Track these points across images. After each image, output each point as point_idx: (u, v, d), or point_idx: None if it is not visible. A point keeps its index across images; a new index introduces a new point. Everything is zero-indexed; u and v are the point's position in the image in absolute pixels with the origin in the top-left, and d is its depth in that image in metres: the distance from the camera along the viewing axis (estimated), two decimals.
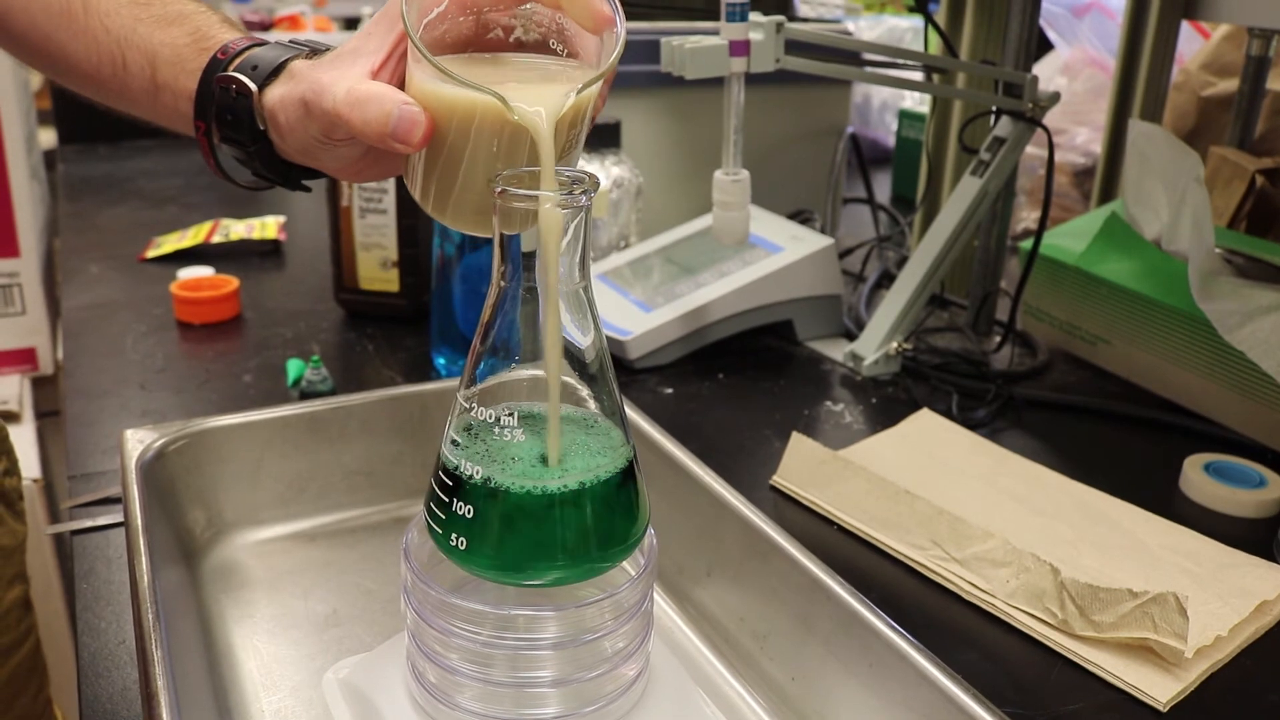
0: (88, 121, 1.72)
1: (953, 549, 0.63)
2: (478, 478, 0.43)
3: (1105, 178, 1.17)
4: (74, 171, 1.58)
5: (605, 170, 1.02)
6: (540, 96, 0.41)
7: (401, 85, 0.47)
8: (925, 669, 0.47)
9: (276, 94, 0.50)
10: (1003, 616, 0.59)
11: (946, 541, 0.63)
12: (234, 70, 0.52)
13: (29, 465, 1.18)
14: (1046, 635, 0.58)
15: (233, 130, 0.53)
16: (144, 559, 0.53)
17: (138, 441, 0.64)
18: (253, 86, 0.51)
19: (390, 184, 0.94)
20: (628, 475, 0.45)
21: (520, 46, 0.47)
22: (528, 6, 0.46)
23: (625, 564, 0.47)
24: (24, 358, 1.35)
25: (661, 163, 1.15)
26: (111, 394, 0.83)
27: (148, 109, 0.60)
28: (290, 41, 0.54)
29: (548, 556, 0.43)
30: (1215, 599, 0.61)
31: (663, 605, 0.64)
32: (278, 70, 0.52)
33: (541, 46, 0.47)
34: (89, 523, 0.66)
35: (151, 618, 0.48)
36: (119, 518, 0.66)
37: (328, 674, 0.54)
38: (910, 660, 0.47)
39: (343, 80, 0.46)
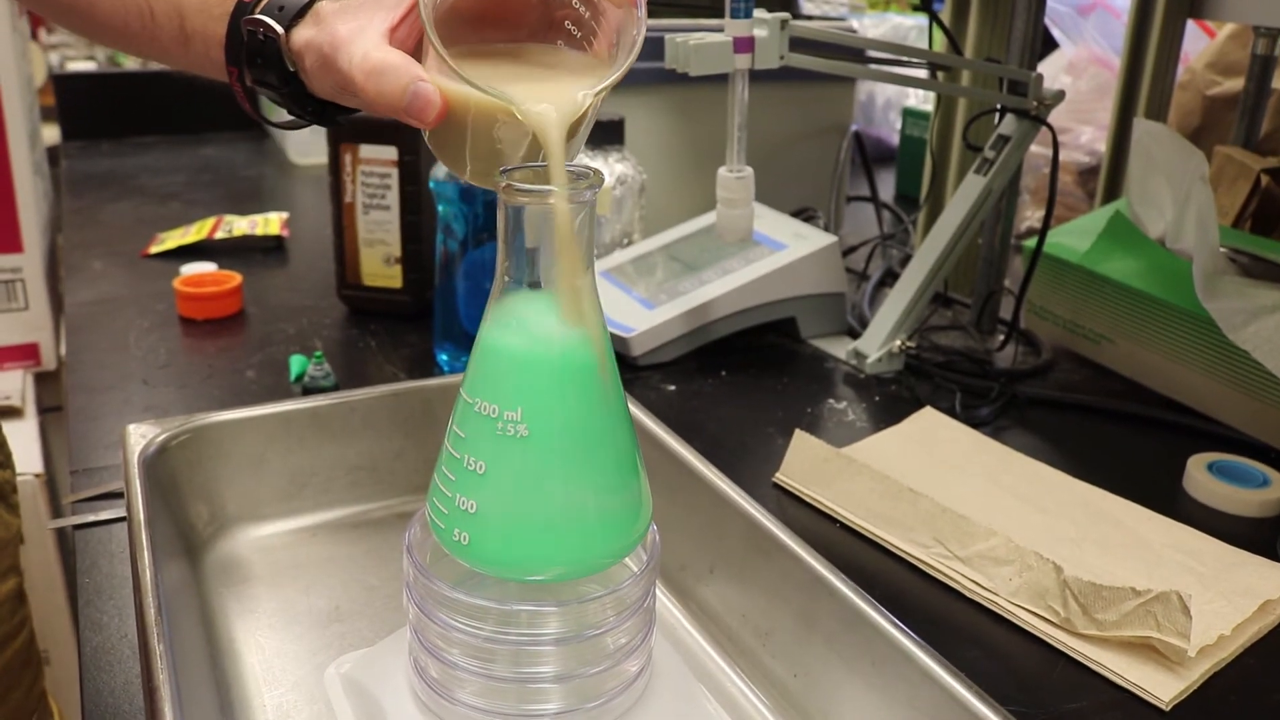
0: (91, 118, 1.73)
1: (956, 547, 0.63)
2: (481, 473, 0.43)
3: (1110, 176, 1.16)
4: (77, 167, 1.58)
5: (609, 167, 1.02)
6: (552, 96, 0.41)
7: (418, 43, 0.46)
8: (928, 666, 0.47)
9: (303, 37, 0.50)
10: (1005, 615, 0.59)
11: (949, 539, 0.63)
12: (260, 13, 0.52)
13: (31, 460, 1.18)
14: (1049, 634, 0.58)
15: (263, 73, 0.53)
16: (146, 554, 0.53)
17: (140, 436, 0.64)
18: (279, 29, 0.51)
19: (393, 181, 0.94)
20: (631, 470, 0.45)
21: (536, 20, 0.47)
22: None
23: (628, 560, 0.47)
24: (27, 353, 1.35)
25: (665, 160, 1.15)
26: (114, 389, 0.83)
27: (180, 59, 0.59)
28: None
29: (550, 552, 0.43)
30: (1219, 598, 0.60)
31: (665, 602, 0.64)
32: (303, 10, 0.51)
33: (558, 27, 0.47)
34: (91, 517, 0.66)
35: (154, 612, 0.48)
36: (121, 512, 0.66)
37: (329, 669, 0.54)
38: (913, 658, 0.47)
39: (361, 39, 0.46)
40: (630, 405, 0.66)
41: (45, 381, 1.39)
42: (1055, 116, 0.92)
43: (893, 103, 1.79)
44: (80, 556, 0.63)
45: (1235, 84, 1.16)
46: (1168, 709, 0.53)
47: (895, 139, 1.69)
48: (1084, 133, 1.36)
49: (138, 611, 0.49)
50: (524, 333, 0.43)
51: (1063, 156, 1.34)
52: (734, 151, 0.82)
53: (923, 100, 1.66)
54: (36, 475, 1.16)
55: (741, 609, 0.59)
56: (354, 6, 0.49)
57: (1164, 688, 0.54)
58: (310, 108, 0.54)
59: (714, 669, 0.59)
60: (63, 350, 1.20)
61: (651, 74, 1.10)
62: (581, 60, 0.46)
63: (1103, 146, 1.21)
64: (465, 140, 0.45)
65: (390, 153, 0.93)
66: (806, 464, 0.71)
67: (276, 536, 0.68)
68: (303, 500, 0.70)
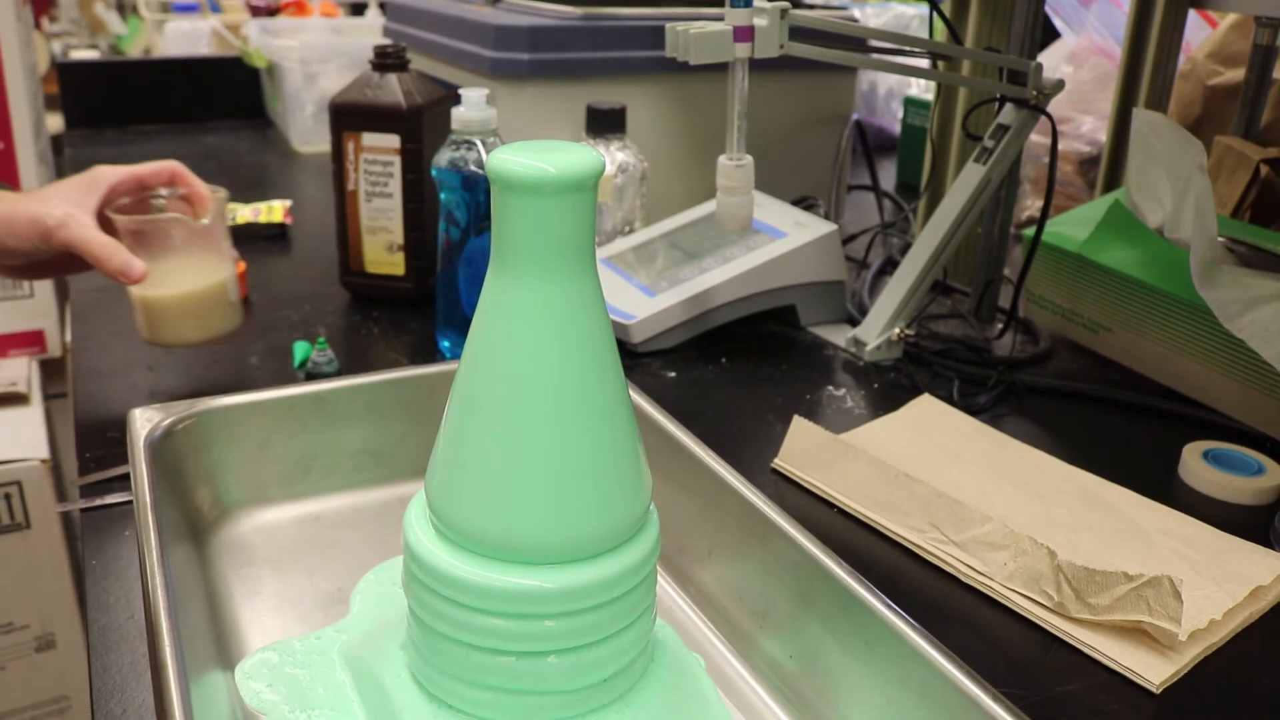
0: (94, 106, 1.73)
1: (951, 532, 0.63)
2: (479, 453, 0.43)
3: (1110, 166, 1.17)
4: (81, 155, 1.58)
5: (610, 155, 1.02)
6: None
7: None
8: (920, 647, 0.47)
9: None
10: (1000, 599, 0.60)
11: (945, 524, 0.64)
12: None
13: (37, 446, 1.19)
14: (1043, 617, 0.58)
15: None
16: (153, 535, 0.53)
17: (146, 420, 0.65)
18: None
19: (396, 169, 0.95)
20: (631, 451, 0.46)
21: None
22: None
23: (628, 540, 0.47)
24: (32, 340, 1.36)
25: (666, 148, 1.15)
26: (119, 375, 0.84)
27: None
28: None
29: (550, 532, 0.44)
30: (1210, 583, 0.61)
31: (664, 584, 0.65)
32: None
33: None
34: (98, 501, 0.67)
35: (161, 592, 0.49)
36: (128, 496, 0.67)
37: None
38: (906, 638, 0.48)
39: (83, 218, 0.74)
40: (630, 391, 0.67)
41: (50, 368, 1.40)
42: (1056, 106, 0.93)
43: (895, 92, 1.79)
44: (87, 538, 0.64)
45: (1236, 74, 1.16)
46: (1158, 691, 0.54)
47: (897, 128, 1.69)
48: (1085, 122, 1.36)
49: (145, 592, 0.50)
50: (521, 310, 0.43)
51: (1063, 146, 1.34)
52: (734, 140, 0.83)
53: (924, 89, 1.66)
54: (43, 461, 1.17)
55: (739, 591, 0.59)
56: (36, 196, 0.75)
57: (1155, 671, 0.55)
58: None
59: (711, 649, 0.60)
60: (68, 337, 1.21)
61: (652, 62, 1.11)
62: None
63: (1103, 136, 1.21)
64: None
65: (393, 141, 0.94)
66: (805, 450, 0.72)
67: (281, 520, 0.69)
68: (307, 484, 0.70)
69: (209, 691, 0.50)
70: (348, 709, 0.50)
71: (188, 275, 0.79)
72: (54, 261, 0.78)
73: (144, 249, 0.77)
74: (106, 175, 0.78)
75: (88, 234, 0.74)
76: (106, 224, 0.77)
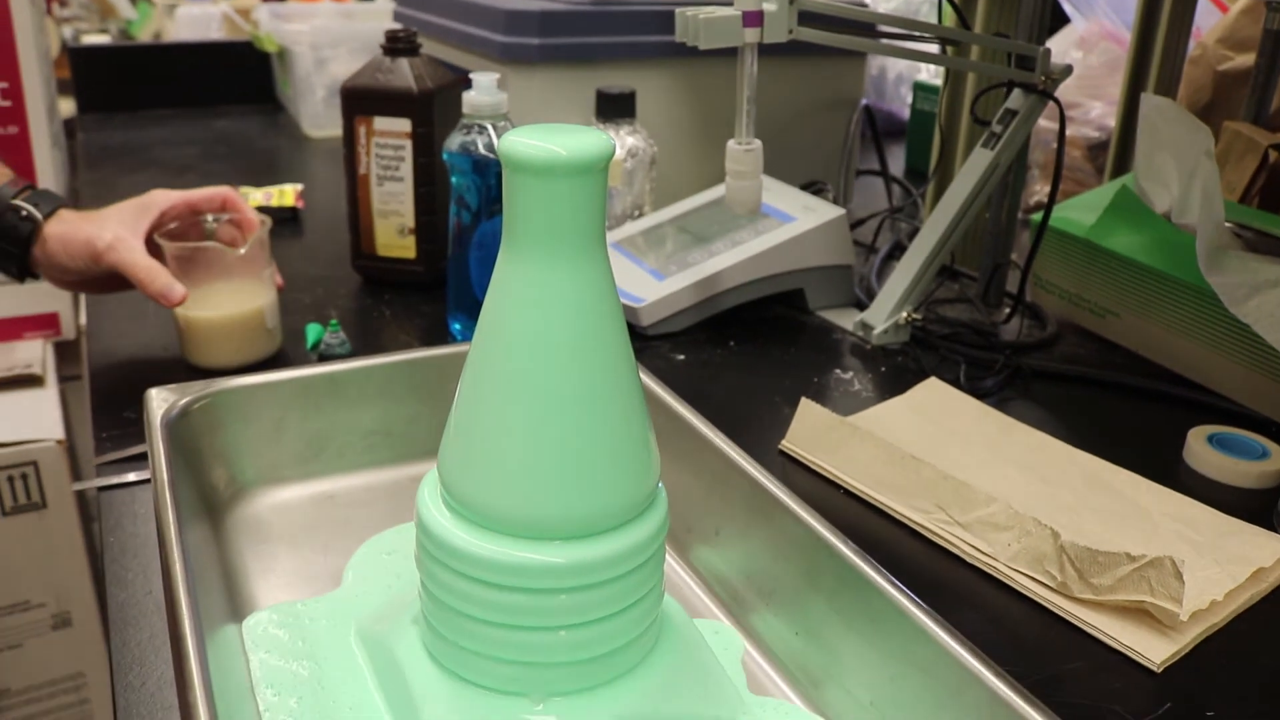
0: (107, 90, 1.74)
1: (956, 513, 0.64)
2: (491, 430, 0.44)
3: (1119, 152, 1.17)
4: (93, 140, 1.59)
5: (620, 139, 1.03)
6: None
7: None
8: (925, 624, 0.48)
9: (54, 228, 0.80)
10: (1004, 579, 0.61)
11: (950, 506, 0.65)
12: (23, 201, 0.80)
13: (53, 427, 1.20)
14: (1046, 597, 0.59)
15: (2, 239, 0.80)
16: (170, 512, 0.54)
17: (162, 400, 0.66)
18: (39, 216, 0.80)
19: (407, 153, 0.95)
20: (641, 429, 0.47)
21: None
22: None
23: (637, 518, 0.48)
24: (46, 323, 1.37)
25: (676, 132, 1.16)
26: (134, 356, 0.85)
27: None
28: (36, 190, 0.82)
29: (560, 509, 0.45)
30: (1213, 565, 0.62)
31: (672, 562, 0.65)
32: (54, 211, 0.80)
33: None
34: (116, 480, 0.68)
35: (179, 567, 0.50)
36: (145, 474, 0.68)
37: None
38: (910, 616, 0.49)
39: (132, 242, 0.79)
40: (640, 373, 0.68)
41: (64, 351, 1.42)
42: (1065, 92, 0.93)
43: (905, 77, 1.79)
44: (105, 516, 0.65)
45: (1246, 59, 1.16)
46: (1159, 670, 0.55)
47: (907, 113, 1.69)
48: (1094, 108, 1.36)
49: (163, 568, 0.51)
50: (532, 291, 0.44)
51: (1072, 131, 1.34)
52: (743, 124, 0.83)
53: (934, 75, 1.66)
54: (59, 442, 1.18)
55: (745, 569, 0.60)
56: (94, 218, 0.81)
57: (1156, 650, 0.55)
58: (15, 270, 0.82)
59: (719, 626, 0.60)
60: (82, 320, 1.22)
61: (662, 47, 1.11)
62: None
63: (1113, 122, 1.21)
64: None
65: (404, 125, 0.95)
66: (812, 431, 0.73)
67: (295, 498, 0.70)
68: (320, 463, 0.71)
69: (227, 662, 0.51)
70: (351, 668, 0.51)
71: (228, 300, 0.82)
72: (106, 280, 0.83)
73: (188, 273, 0.81)
74: (160, 200, 0.83)
75: (134, 257, 0.79)
76: (156, 248, 0.82)
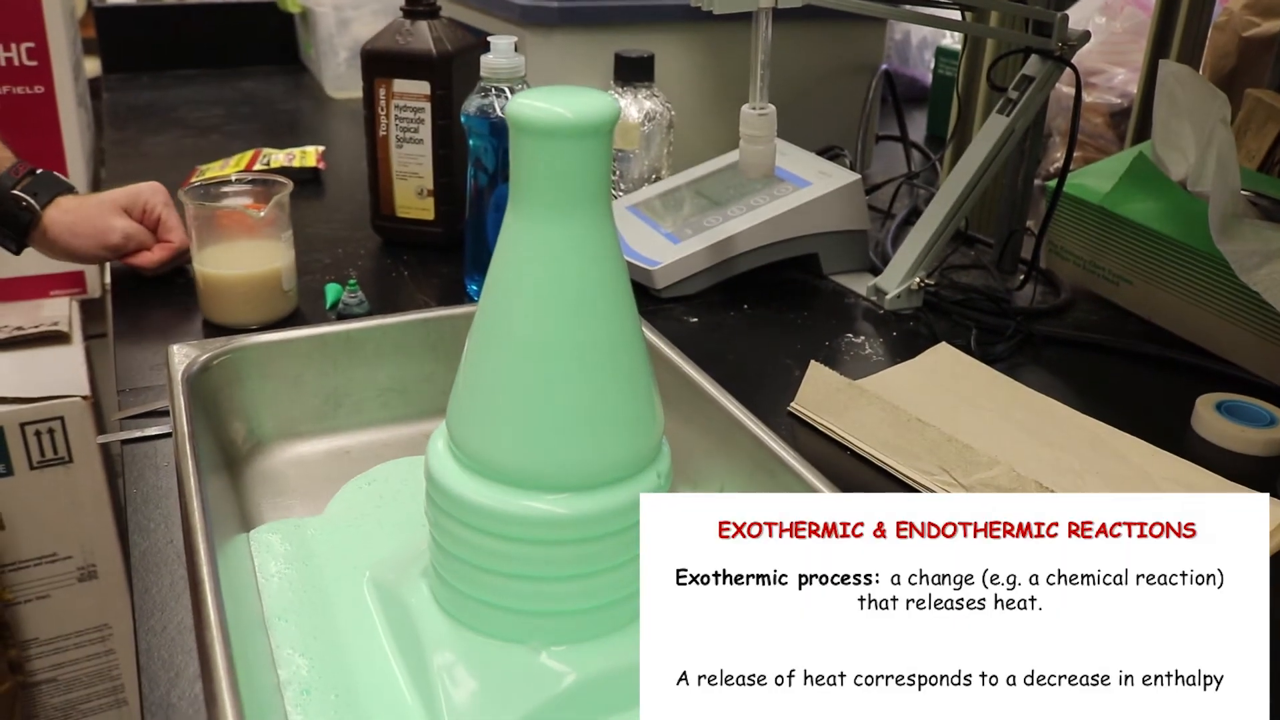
0: (132, 50, 1.75)
1: (959, 475, 0.65)
2: (496, 386, 0.46)
3: (1140, 119, 1.16)
4: (119, 100, 1.61)
5: (638, 103, 1.03)
6: None
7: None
8: None
9: (53, 216, 0.86)
10: None
11: (954, 467, 0.65)
12: (23, 191, 0.85)
13: (79, 383, 1.23)
14: None
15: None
16: (190, 464, 0.56)
17: (184, 356, 0.67)
18: (38, 207, 0.86)
19: (426, 116, 0.96)
20: (644, 385, 0.48)
21: None
22: None
23: (642, 471, 0.49)
24: (73, 281, 1.39)
25: (694, 96, 1.16)
26: (157, 314, 0.87)
27: None
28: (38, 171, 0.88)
29: (565, 462, 0.46)
30: None
31: None
32: (51, 200, 0.86)
33: None
34: (139, 433, 0.70)
35: (199, 516, 0.52)
36: (167, 429, 0.70)
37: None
38: None
39: (142, 238, 0.90)
40: (647, 332, 0.69)
41: (90, 309, 1.44)
42: (1088, 58, 0.93)
43: (928, 42, 1.78)
44: (128, 469, 0.67)
45: (1273, 26, 1.15)
46: None
47: (929, 79, 1.68)
48: (1117, 75, 1.35)
49: (184, 517, 0.53)
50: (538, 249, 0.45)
51: (1094, 98, 1.33)
52: (757, 89, 0.83)
53: (957, 40, 1.65)
54: (85, 397, 1.21)
55: None
56: (95, 212, 0.88)
57: None
58: (13, 248, 0.88)
59: None
60: (106, 279, 1.24)
61: (681, 11, 1.11)
62: None
63: (1135, 89, 1.20)
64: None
65: (423, 87, 0.95)
66: (821, 394, 0.74)
67: (311, 453, 0.72)
68: (336, 419, 0.73)
69: (245, 608, 0.53)
70: (363, 616, 0.52)
71: (247, 260, 0.83)
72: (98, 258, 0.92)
73: (209, 232, 0.84)
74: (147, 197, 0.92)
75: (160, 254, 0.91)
76: (179, 205, 0.87)
